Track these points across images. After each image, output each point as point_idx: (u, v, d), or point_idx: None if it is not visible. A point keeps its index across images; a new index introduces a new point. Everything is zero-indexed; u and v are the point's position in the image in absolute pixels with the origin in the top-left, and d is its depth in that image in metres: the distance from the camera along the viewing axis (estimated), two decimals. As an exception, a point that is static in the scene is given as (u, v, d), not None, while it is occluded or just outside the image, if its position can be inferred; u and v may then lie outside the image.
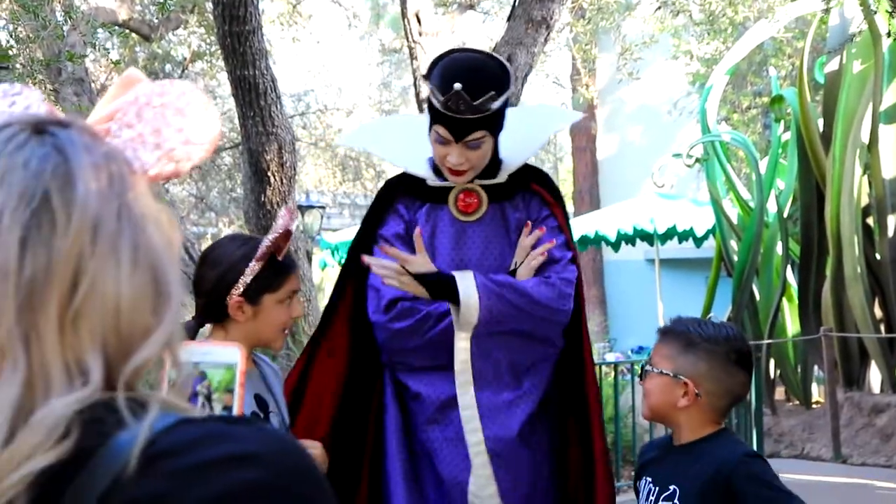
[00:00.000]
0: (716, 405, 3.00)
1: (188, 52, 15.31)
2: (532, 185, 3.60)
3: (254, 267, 2.99)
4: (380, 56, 23.09)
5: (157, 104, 1.23)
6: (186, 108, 1.24)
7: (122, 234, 1.08)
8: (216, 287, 3.02)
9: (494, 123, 3.40)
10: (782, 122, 13.93)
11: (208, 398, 1.35)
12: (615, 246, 17.16)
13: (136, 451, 1.00)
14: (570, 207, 24.32)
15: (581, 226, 16.78)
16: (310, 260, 16.04)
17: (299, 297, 3.12)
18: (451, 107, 3.28)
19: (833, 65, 12.56)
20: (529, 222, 3.53)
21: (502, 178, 3.56)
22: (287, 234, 2.99)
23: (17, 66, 7.49)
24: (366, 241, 3.59)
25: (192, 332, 3.17)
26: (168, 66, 15.79)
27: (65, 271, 1.05)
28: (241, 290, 2.99)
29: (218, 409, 1.31)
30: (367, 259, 3.36)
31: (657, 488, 3.01)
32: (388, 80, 24.42)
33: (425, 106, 3.51)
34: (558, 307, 3.45)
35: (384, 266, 3.34)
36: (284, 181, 8.58)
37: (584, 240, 16.63)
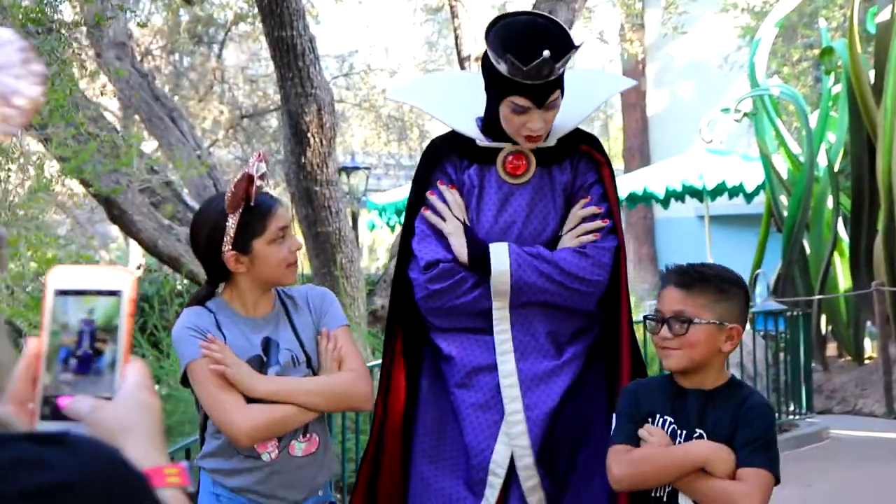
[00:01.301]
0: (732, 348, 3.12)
1: (231, 15, 15.30)
2: (580, 146, 3.55)
3: (232, 219, 3.10)
4: (423, 15, 22.98)
5: None
6: (6, 65, 1.07)
7: None
8: (208, 248, 3.16)
9: (563, 81, 3.36)
10: (833, 74, 13.70)
11: (93, 341, 1.19)
12: (664, 203, 17.00)
13: None
14: (619, 165, 24.17)
15: (630, 183, 16.63)
16: (354, 221, 16.07)
17: (290, 230, 3.17)
18: (534, 74, 3.23)
19: (884, 14, 12.31)
20: (588, 197, 3.47)
21: (551, 142, 3.50)
22: (248, 179, 3.06)
23: (55, 27, 7.49)
24: (417, 203, 3.55)
25: (207, 297, 3.22)
26: (211, 30, 15.80)
27: None
28: (230, 243, 3.11)
29: (107, 356, 1.17)
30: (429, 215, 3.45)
31: (683, 430, 3.05)
32: (433, 40, 24.30)
33: (472, 65, 3.46)
34: (591, 278, 3.40)
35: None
36: (324, 142, 8.57)
37: (633, 197, 16.49)
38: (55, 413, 1.16)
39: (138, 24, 8.96)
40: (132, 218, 9.98)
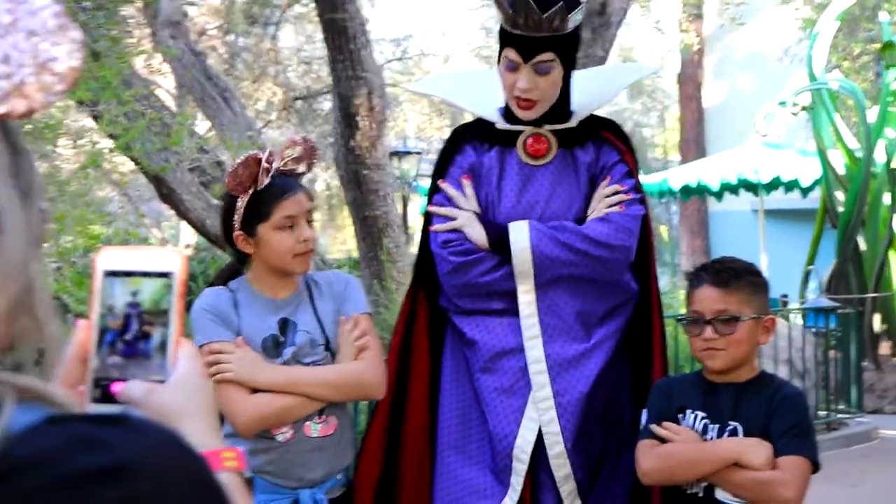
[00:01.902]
0: None
1: (286, -4, 15.31)
2: (602, 132, 3.51)
3: (241, 200, 3.12)
4: (479, 0, 22.90)
5: (6, 24, 1.02)
6: (42, 30, 1.02)
7: None
8: (225, 228, 3.22)
9: (564, 49, 3.34)
10: (893, 69, 13.49)
11: (141, 326, 1.15)
12: (718, 196, 16.84)
13: None
14: (675, 156, 23.98)
15: (684, 175, 16.50)
16: (405, 206, 16.05)
17: (302, 221, 3.14)
18: (519, 21, 3.26)
19: (948, 9, 12.09)
20: (609, 177, 3.43)
21: (573, 123, 3.47)
22: (255, 161, 3.08)
23: (105, 3, 7.52)
24: (437, 187, 3.55)
25: (233, 275, 3.23)
26: (267, 11, 15.83)
27: None
28: (238, 225, 3.14)
29: (156, 339, 1.13)
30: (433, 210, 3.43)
31: (716, 425, 3.05)
32: (488, 25, 24.22)
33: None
34: (616, 243, 3.33)
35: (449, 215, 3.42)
36: (374, 125, 8.56)
37: (687, 189, 16.35)
38: (106, 397, 1.14)
39: (190, 3, 8.98)
40: (181, 197, 10.02)
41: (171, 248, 1.17)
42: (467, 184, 3.45)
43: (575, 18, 3.32)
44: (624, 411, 3.41)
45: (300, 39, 19.36)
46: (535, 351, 3.31)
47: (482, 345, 3.36)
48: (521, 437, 3.29)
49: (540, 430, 3.29)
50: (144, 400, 1.13)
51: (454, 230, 3.38)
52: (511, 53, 3.32)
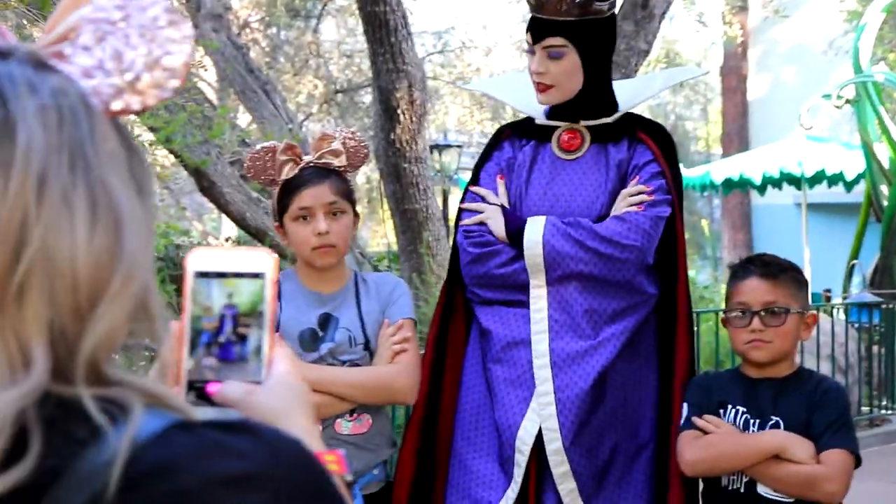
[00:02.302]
0: None
1: (328, -11, 15.33)
2: (639, 132, 3.49)
3: (274, 192, 3.20)
4: (520, -8, 22.86)
5: (118, 21, 1.02)
6: (153, 27, 1.03)
7: (76, 189, 0.91)
8: (273, 218, 3.28)
9: (580, 36, 3.34)
10: (940, 61, 13.34)
11: (235, 328, 1.14)
12: (761, 189, 16.73)
13: (115, 473, 0.84)
14: (717, 150, 23.81)
15: (726, 168, 16.40)
16: (445, 199, 16.03)
17: (319, 213, 3.13)
18: (531, 2, 3.34)
19: None
20: (637, 177, 3.41)
21: (611, 118, 3.48)
22: (268, 151, 3.13)
23: None
24: (475, 180, 3.60)
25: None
26: (309, 4, 15.86)
27: (4, 241, 0.88)
28: (274, 216, 3.24)
29: (252, 341, 1.13)
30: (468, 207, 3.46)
31: (756, 419, 3.05)
32: (529, 17, 24.10)
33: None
34: (628, 242, 3.29)
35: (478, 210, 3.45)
36: (414, 119, 8.56)
37: (729, 182, 16.25)
38: (201, 398, 1.14)
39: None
40: (221, 190, 10.05)
41: (262, 249, 1.17)
42: (501, 183, 3.49)
43: (597, 6, 3.33)
44: (643, 414, 3.37)
45: (342, 32, 19.38)
46: (540, 345, 3.31)
47: (495, 335, 3.37)
48: (524, 429, 3.27)
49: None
50: (243, 402, 1.13)
51: (478, 223, 3.41)
52: (527, 36, 3.40)
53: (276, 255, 1.17)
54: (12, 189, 0.88)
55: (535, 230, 3.32)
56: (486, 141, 3.77)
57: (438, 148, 16.50)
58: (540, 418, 3.26)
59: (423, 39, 18.02)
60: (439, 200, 12.22)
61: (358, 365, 3.17)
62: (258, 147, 3.18)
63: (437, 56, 19.39)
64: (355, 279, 3.25)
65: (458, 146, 17.46)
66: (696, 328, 3.54)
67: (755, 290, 3.08)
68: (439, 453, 3.45)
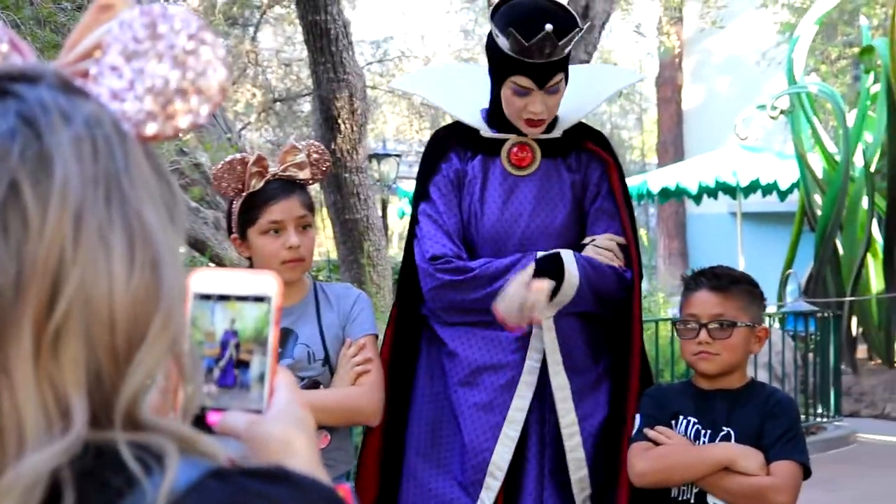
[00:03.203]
0: None
1: (266, -2, 15.27)
2: (587, 143, 3.48)
3: (235, 203, 3.13)
4: (460, 3, 22.89)
5: (146, 39, 0.97)
6: (184, 46, 0.97)
7: (112, 225, 0.86)
8: (227, 230, 3.22)
9: (567, 63, 3.34)
10: (872, 73, 13.54)
11: (237, 354, 1.10)
12: (696, 199, 16.90)
13: None
14: (653, 159, 24.00)
15: (662, 178, 16.55)
16: (384, 209, 16.01)
17: (290, 227, 3.08)
18: (536, 51, 3.21)
19: (926, 14, 12.14)
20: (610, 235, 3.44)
21: (557, 133, 3.45)
22: (241, 163, 3.07)
23: (85, 3, 7.46)
24: (422, 193, 3.50)
25: None
26: (247, 12, 15.78)
27: (41, 283, 0.83)
28: (235, 227, 3.14)
29: (255, 368, 1.08)
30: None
31: (708, 430, 3.06)
32: (468, 28, 24.22)
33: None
34: (619, 298, 3.39)
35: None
36: (355, 128, 8.53)
37: (665, 192, 16.40)
38: (200, 427, 1.08)
39: (166, 2, 8.90)
40: (160, 199, 9.94)
41: (266, 272, 1.12)
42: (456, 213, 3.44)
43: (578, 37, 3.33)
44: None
45: (280, 41, 19.32)
46: (559, 378, 3.30)
47: (463, 358, 3.33)
48: (498, 455, 3.27)
49: (517, 448, 3.29)
50: (247, 432, 1.09)
51: (445, 245, 3.35)
52: (523, 81, 3.27)
53: (280, 279, 1.12)
54: (49, 226, 0.84)
55: (571, 270, 3.26)
56: (426, 145, 3.67)
57: (377, 157, 16.49)
58: (567, 448, 3.28)
59: (361, 49, 18.00)
60: (379, 210, 12.19)
61: (317, 381, 3.11)
62: (229, 158, 3.11)
63: (376, 65, 19.38)
64: (315, 291, 3.19)
65: (397, 155, 17.46)
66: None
67: (704, 302, 3.09)
68: (381, 464, 3.42)
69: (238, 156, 3.12)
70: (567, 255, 3.28)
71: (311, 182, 3.19)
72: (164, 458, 0.85)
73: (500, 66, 3.33)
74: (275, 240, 3.08)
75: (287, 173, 3.11)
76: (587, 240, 3.41)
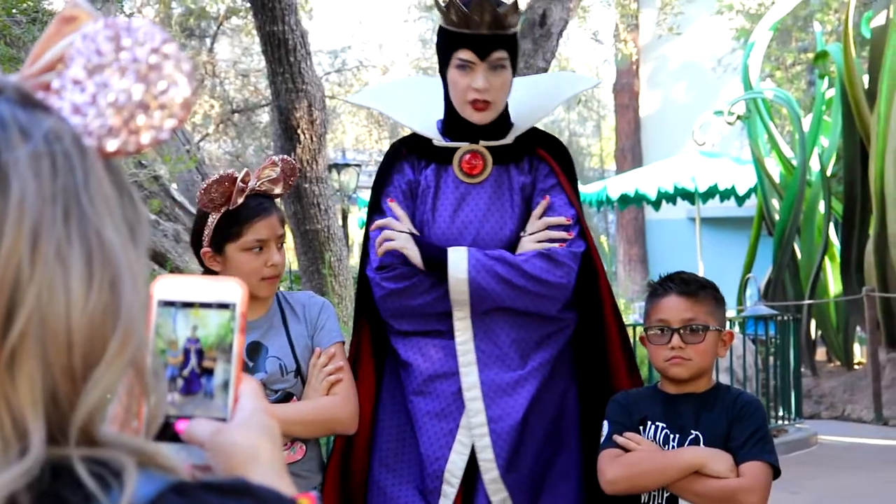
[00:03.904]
0: None
1: (223, 9, 15.22)
2: (538, 150, 3.49)
3: (213, 217, 3.08)
4: (417, 12, 22.93)
5: (110, 53, 0.95)
6: (150, 60, 0.95)
7: (71, 243, 0.85)
8: (195, 241, 3.16)
9: (513, 50, 3.36)
10: (826, 78, 13.69)
11: (200, 361, 1.08)
12: (655, 205, 17.01)
13: None
14: (611, 166, 24.10)
15: (621, 184, 16.63)
16: (345, 219, 15.99)
17: (273, 245, 3.09)
18: (474, 20, 3.26)
19: (879, 19, 12.29)
20: (548, 197, 3.41)
21: (509, 139, 3.46)
22: (230, 180, 3.05)
23: (40, 17, 7.41)
24: (376, 204, 3.51)
25: None
26: (203, 23, 15.72)
27: None
28: (207, 241, 3.09)
29: (219, 376, 1.07)
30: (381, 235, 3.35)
31: (676, 434, 3.07)
32: (426, 37, 24.25)
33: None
34: (555, 281, 3.31)
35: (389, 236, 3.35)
36: (314, 139, 8.50)
37: (625, 198, 16.49)
38: (165, 435, 1.07)
39: (127, 16, 8.87)
40: (119, 212, 9.88)
41: (231, 279, 1.11)
42: (395, 206, 3.42)
43: (518, 23, 3.36)
44: (570, 429, 3.40)
45: (237, 52, 19.27)
46: (470, 377, 3.29)
47: (415, 367, 3.33)
48: (452, 462, 3.27)
49: (472, 454, 3.27)
50: (211, 441, 1.07)
51: (392, 253, 3.34)
52: (465, 54, 3.31)
53: (245, 286, 1.11)
54: (5, 246, 0.82)
55: (459, 267, 3.26)
56: (382, 158, 3.68)
57: (337, 167, 16.47)
58: (475, 448, 3.25)
59: (319, 59, 17.98)
60: (339, 220, 12.18)
61: (291, 393, 3.11)
62: (217, 175, 3.08)
63: (334, 75, 19.36)
64: (279, 301, 3.19)
65: (357, 165, 17.44)
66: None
67: (675, 307, 3.10)
68: (355, 485, 3.41)
69: (228, 172, 3.11)
70: (455, 254, 3.28)
71: (282, 196, 3.19)
72: (122, 473, 0.84)
73: (445, 49, 3.37)
74: (257, 257, 3.07)
75: (264, 188, 3.10)
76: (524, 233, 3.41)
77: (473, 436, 3.26)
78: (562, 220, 3.38)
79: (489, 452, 3.25)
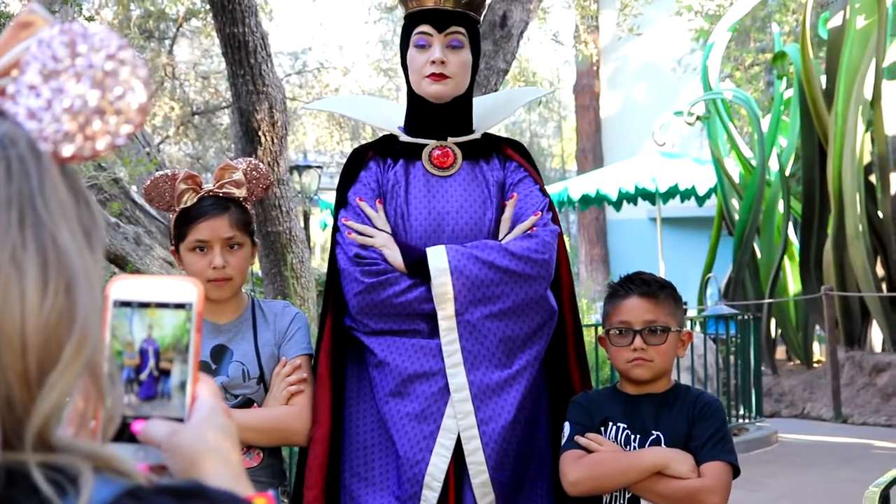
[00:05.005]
0: None
1: (182, 10, 15.15)
2: (505, 149, 3.50)
3: (171, 217, 3.12)
4: (378, 13, 22.93)
5: (65, 58, 0.95)
6: (106, 66, 0.95)
7: (26, 248, 0.85)
8: (170, 243, 3.17)
9: (472, 31, 3.39)
10: (785, 78, 13.79)
11: (158, 360, 1.08)
12: (617, 205, 17.07)
13: None
14: (573, 166, 24.18)
15: (583, 185, 16.69)
16: (306, 220, 15.96)
17: (216, 247, 3.07)
18: None
19: (836, 20, 12.40)
20: (515, 194, 3.41)
21: (476, 135, 3.47)
22: (167, 178, 3.06)
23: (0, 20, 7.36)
24: (343, 205, 3.46)
25: None
26: (163, 25, 15.64)
27: None
28: (171, 241, 3.13)
29: (176, 376, 1.07)
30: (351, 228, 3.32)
31: (637, 435, 3.08)
32: (387, 38, 24.24)
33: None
34: (538, 258, 3.27)
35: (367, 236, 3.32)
36: (276, 140, 8.48)
37: (586, 199, 16.55)
38: (122, 435, 1.07)
39: (86, 18, 8.81)
40: (79, 215, 9.80)
41: (186, 278, 1.10)
42: (380, 207, 3.38)
43: (483, 3, 3.40)
44: (540, 432, 3.38)
45: (196, 54, 19.19)
46: (457, 378, 3.22)
47: (393, 367, 3.25)
48: (434, 465, 3.20)
49: (453, 458, 3.21)
50: (168, 441, 1.07)
51: (368, 247, 3.31)
52: (424, 27, 3.33)
53: (200, 285, 1.11)
54: None
55: (439, 258, 3.23)
56: (345, 161, 3.67)
57: (298, 169, 16.42)
58: (466, 451, 3.19)
59: (280, 60, 17.95)
60: (301, 222, 12.15)
61: (251, 399, 3.09)
62: (158, 174, 3.09)
63: (294, 77, 19.32)
64: (252, 308, 3.17)
65: (318, 167, 17.40)
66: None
67: (636, 308, 3.11)
68: (306, 490, 3.37)
69: (167, 172, 3.11)
70: (434, 249, 3.26)
71: (248, 200, 3.16)
72: (78, 478, 0.84)
73: (406, 34, 3.41)
74: (201, 257, 3.06)
75: (223, 190, 3.09)
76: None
77: (463, 438, 3.20)
78: (533, 219, 3.37)
79: (479, 455, 3.19)
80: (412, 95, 3.44)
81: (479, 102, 3.56)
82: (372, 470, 3.29)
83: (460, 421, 3.22)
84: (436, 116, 3.42)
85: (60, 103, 0.94)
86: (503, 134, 4.04)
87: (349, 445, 3.32)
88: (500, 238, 3.36)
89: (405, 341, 3.27)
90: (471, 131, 3.47)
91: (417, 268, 3.25)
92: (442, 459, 3.21)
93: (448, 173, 3.42)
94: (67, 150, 0.94)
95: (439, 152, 3.42)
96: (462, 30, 3.35)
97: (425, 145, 3.44)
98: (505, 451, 3.23)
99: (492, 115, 3.61)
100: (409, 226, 3.36)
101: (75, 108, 0.95)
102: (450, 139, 3.44)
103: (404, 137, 3.46)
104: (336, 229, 3.45)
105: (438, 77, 3.35)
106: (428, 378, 3.24)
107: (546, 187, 3.53)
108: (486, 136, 3.52)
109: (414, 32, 3.37)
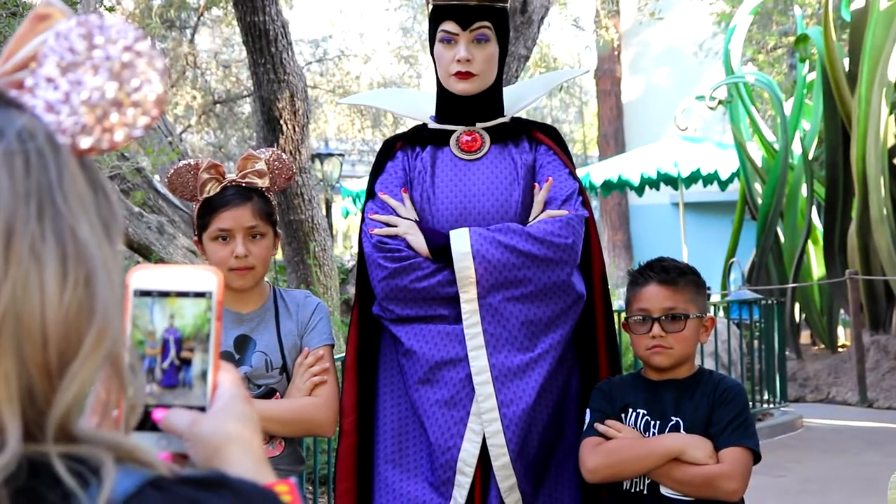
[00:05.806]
0: None
1: (203, -1, 15.17)
2: (535, 132, 3.50)
3: (195, 207, 3.15)
4: (398, 1, 22.90)
5: (83, 51, 0.95)
6: (123, 58, 0.96)
7: (45, 241, 0.86)
8: (193, 233, 3.21)
9: (499, 24, 3.39)
10: (807, 61, 13.71)
11: (179, 350, 1.08)
12: (639, 190, 17.02)
13: None
14: (594, 152, 24.11)
15: (604, 170, 16.65)
16: (328, 208, 15.98)
17: (238, 236, 3.07)
18: None
19: (859, 2, 12.31)
20: (551, 178, 3.41)
21: (506, 118, 3.48)
22: (190, 168, 3.09)
23: (20, 11, 7.38)
24: (370, 194, 3.49)
25: None
26: (184, 14, 15.66)
27: None
28: (194, 231, 3.17)
29: (197, 365, 1.07)
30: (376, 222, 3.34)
31: (657, 421, 3.09)
32: (408, 25, 24.21)
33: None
34: (561, 241, 3.27)
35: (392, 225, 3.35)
36: (297, 129, 8.50)
37: (608, 184, 16.50)
38: (144, 424, 1.07)
39: (107, 8, 8.82)
40: (102, 205, 9.84)
41: (206, 267, 1.10)
42: (406, 196, 3.40)
43: None
44: (569, 416, 3.38)
45: (218, 43, 19.22)
46: (479, 361, 3.23)
47: (421, 355, 3.27)
48: (465, 451, 3.22)
49: (483, 441, 3.23)
50: (189, 430, 1.07)
51: (393, 237, 3.32)
52: (448, 25, 3.34)
53: (220, 273, 1.11)
54: None
55: (462, 241, 3.24)
56: (366, 149, 3.72)
57: (320, 157, 16.45)
58: (484, 434, 3.21)
59: (300, 48, 17.95)
60: (323, 209, 12.18)
61: (274, 390, 3.10)
62: (181, 163, 3.11)
63: (315, 65, 19.33)
64: (274, 297, 3.17)
65: (340, 155, 17.43)
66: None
67: (655, 296, 3.11)
68: (336, 475, 3.39)
69: (190, 161, 3.13)
70: (457, 233, 3.27)
71: (271, 190, 3.17)
72: (100, 469, 0.84)
73: (432, 25, 3.41)
74: (224, 247, 3.08)
75: (246, 180, 3.11)
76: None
77: (484, 421, 3.21)
78: (564, 212, 3.36)
79: (500, 438, 3.21)
80: (441, 87, 3.46)
81: (511, 89, 3.58)
82: (406, 456, 3.32)
83: (481, 403, 3.23)
84: (464, 106, 3.45)
85: (78, 96, 0.95)
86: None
87: (383, 433, 3.35)
88: (529, 220, 3.37)
89: (431, 328, 3.29)
90: (500, 115, 3.48)
91: (442, 253, 3.27)
92: (473, 444, 3.23)
93: (476, 157, 3.44)
94: (85, 143, 0.94)
95: (468, 137, 3.44)
96: (487, 23, 3.35)
97: (454, 131, 3.47)
98: (527, 434, 3.23)
99: (524, 96, 3.64)
100: (436, 209, 3.37)
101: (93, 101, 0.95)
102: (478, 124, 3.46)
103: (433, 125, 3.49)
104: (363, 219, 3.48)
105: (464, 76, 3.37)
106: (455, 364, 3.26)
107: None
108: (515, 119, 3.53)
109: (439, 29, 3.38)
